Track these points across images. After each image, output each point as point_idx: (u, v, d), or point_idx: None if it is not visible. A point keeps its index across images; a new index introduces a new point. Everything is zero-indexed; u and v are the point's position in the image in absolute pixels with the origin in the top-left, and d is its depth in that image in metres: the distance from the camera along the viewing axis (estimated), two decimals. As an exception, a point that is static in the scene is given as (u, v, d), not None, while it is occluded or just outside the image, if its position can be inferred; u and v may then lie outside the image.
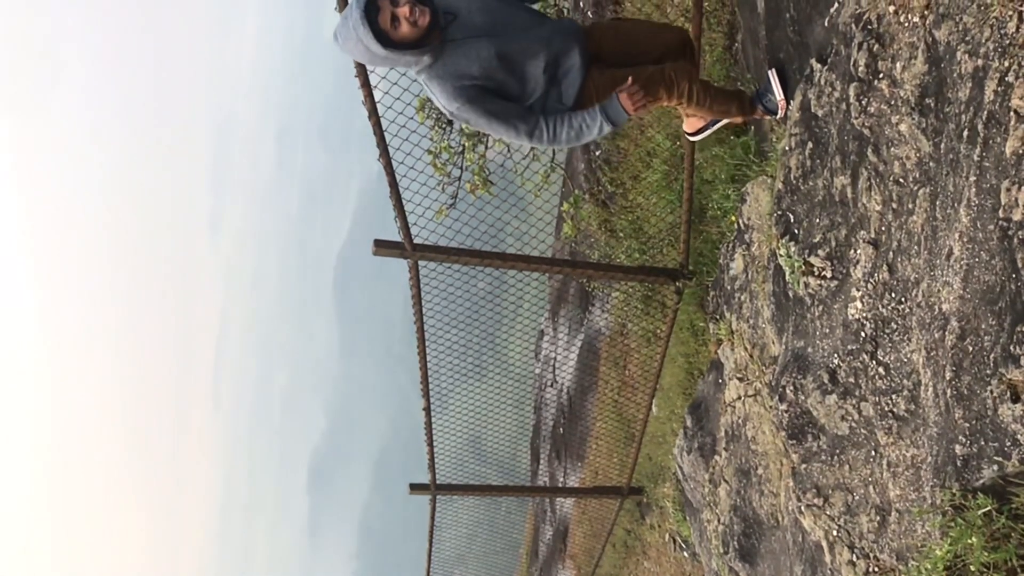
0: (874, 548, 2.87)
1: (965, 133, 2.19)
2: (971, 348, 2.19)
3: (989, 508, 2.16)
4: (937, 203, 2.39)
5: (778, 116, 3.50)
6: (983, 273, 2.14)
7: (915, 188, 2.51)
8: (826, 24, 3.02)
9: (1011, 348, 2.02)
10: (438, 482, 7.05)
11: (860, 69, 2.67)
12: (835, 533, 3.09)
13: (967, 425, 2.22)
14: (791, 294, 3.34)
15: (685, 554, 6.24)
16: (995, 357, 2.10)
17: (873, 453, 2.89)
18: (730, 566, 4.31)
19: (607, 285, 7.67)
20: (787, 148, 3.27)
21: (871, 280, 2.76)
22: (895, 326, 2.67)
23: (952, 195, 2.28)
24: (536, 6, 3.33)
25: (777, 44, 3.50)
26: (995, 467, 2.14)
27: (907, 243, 2.57)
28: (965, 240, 2.18)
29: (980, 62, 2.14)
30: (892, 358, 2.70)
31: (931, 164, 2.43)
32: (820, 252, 3.04)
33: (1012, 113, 2.01)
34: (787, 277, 3.29)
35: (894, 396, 2.70)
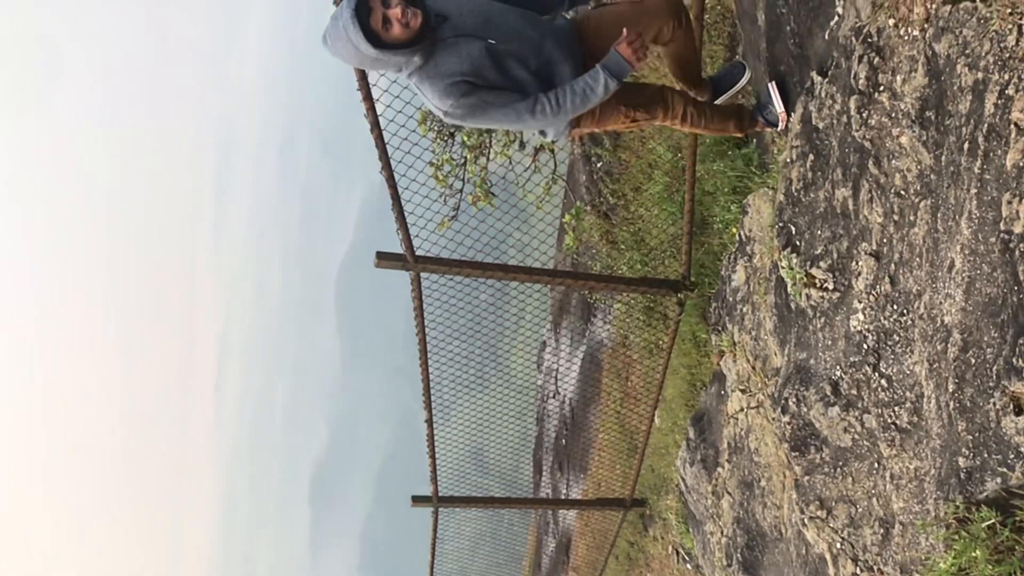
0: (878, 561, 2.86)
1: (966, 146, 2.20)
2: (973, 360, 2.19)
3: (993, 521, 2.16)
4: (938, 215, 2.39)
5: (779, 128, 3.51)
6: (985, 285, 2.14)
7: (916, 200, 2.51)
8: (826, 37, 3.03)
9: (1014, 360, 2.02)
10: (440, 494, 7.04)
11: (861, 82, 2.68)
12: (838, 546, 3.08)
13: (970, 437, 2.22)
14: (793, 306, 3.34)
15: (688, 566, 6.21)
16: (998, 369, 2.10)
17: (876, 465, 2.88)
18: (733, 579, 4.29)
19: (609, 296, 7.67)
20: (788, 160, 3.28)
21: (873, 292, 2.76)
22: (897, 338, 2.67)
23: (953, 207, 2.28)
24: None
25: (778, 57, 3.51)
26: (998, 480, 2.14)
27: (909, 255, 2.58)
28: (967, 252, 2.18)
29: (980, 75, 2.15)
30: (895, 370, 2.70)
31: (932, 176, 2.43)
32: (822, 264, 3.05)
33: (1012, 126, 2.02)
34: (789, 289, 3.29)
35: (897, 408, 2.70)
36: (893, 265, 2.66)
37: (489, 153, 5.91)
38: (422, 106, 5.20)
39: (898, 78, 2.53)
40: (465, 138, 5.93)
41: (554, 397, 10.92)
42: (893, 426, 2.72)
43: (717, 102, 3.55)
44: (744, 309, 4.03)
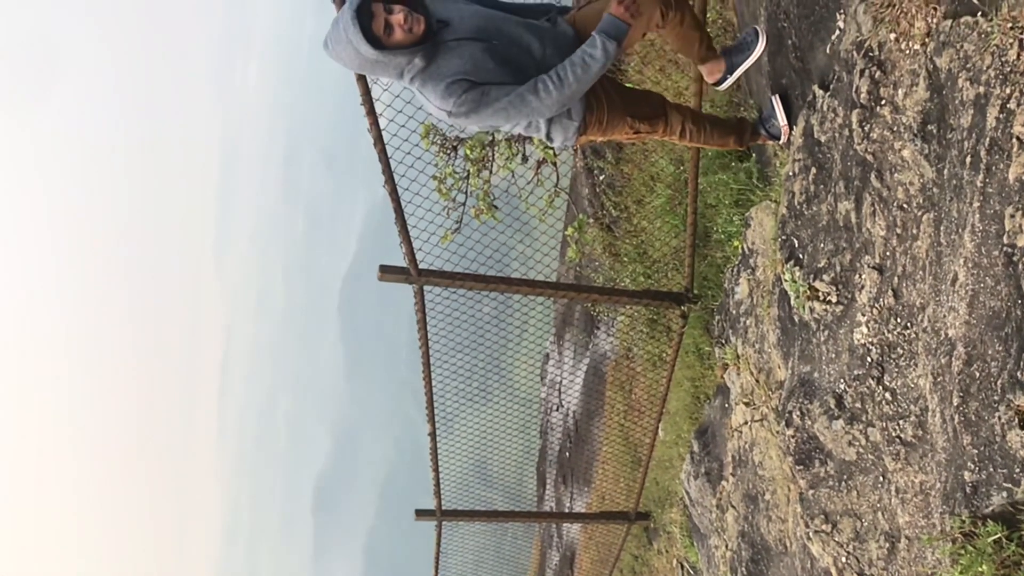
0: (884, 575, 2.85)
1: (968, 159, 2.20)
2: (978, 374, 2.19)
3: (999, 535, 2.15)
4: (941, 229, 2.39)
5: (781, 142, 3.51)
6: (988, 299, 2.14)
7: (919, 214, 2.51)
8: (827, 51, 3.04)
9: (1018, 374, 2.02)
10: (444, 508, 7.02)
11: (862, 96, 2.69)
12: (844, 560, 3.07)
13: (975, 451, 2.21)
14: (796, 319, 3.33)
15: (693, 580, 6.19)
16: (1002, 383, 2.10)
17: (881, 479, 2.87)
18: (739, 593, 4.27)
19: (612, 309, 7.67)
20: (790, 173, 3.29)
21: (876, 305, 2.76)
22: (901, 351, 2.67)
23: (956, 221, 2.28)
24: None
25: (779, 70, 3.52)
26: (1004, 494, 2.13)
27: (912, 268, 2.57)
28: (970, 266, 2.18)
29: (981, 89, 2.16)
30: (899, 383, 2.69)
31: (934, 190, 2.44)
32: (825, 277, 3.04)
33: (1014, 140, 2.02)
34: (792, 302, 3.29)
35: (901, 422, 2.69)
36: (896, 278, 2.66)
37: (492, 166, 5.93)
38: (425, 120, 5.23)
39: (900, 92, 2.54)
40: (468, 151, 5.96)
41: (558, 410, 10.91)
42: (898, 439, 2.72)
43: (732, 77, 3.39)
44: (747, 322, 4.02)
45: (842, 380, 2.98)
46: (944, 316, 2.36)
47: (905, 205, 2.58)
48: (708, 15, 4.28)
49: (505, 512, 7.91)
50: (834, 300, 3.01)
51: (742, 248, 4.10)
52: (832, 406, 3.02)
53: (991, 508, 2.19)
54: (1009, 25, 2.04)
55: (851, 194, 2.86)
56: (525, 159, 6.10)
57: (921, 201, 2.51)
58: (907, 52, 2.50)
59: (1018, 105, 2.02)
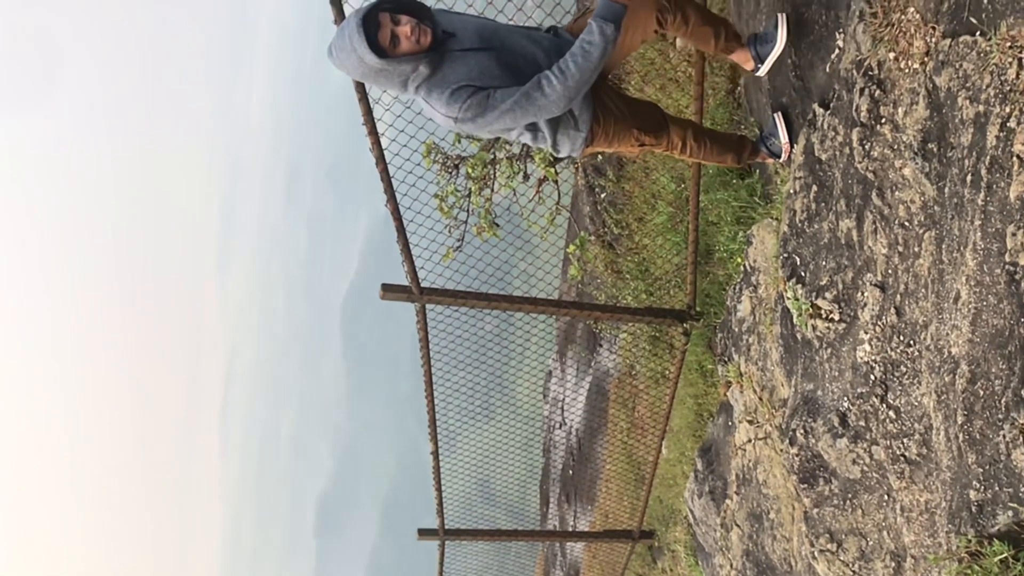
0: (890, 595, 2.83)
1: (968, 178, 2.20)
2: (982, 392, 2.18)
3: (1005, 555, 2.14)
4: (943, 247, 2.39)
5: (781, 160, 3.52)
6: (991, 317, 2.13)
7: (920, 232, 2.51)
8: (827, 70, 3.05)
9: (1022, 393, 2.01)
10: (447, 527, 6.99)
11: (862, 114, 2.70)
12: (850, 580, 3.05)
13: (980, 470, 2.20)
14: (799, 336, 3.33)
15: (698, 599, 6.14)
16: (1007, 402, 2.09)
17: (886, 497, 2.86)
18: (744, 612, 4.24)
19: (614, 326, 7.67)
20: (792, 191, 3.29)
21: (879, 323, 2.76)
22: (904, 369, 2.66)
23: (958, 239, 2.28)
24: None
25: (780, 88, 3.53)
26: (1010, 513, 2.12)
27: (914, 286, 2.57)
28: (972, 284, 2.18)
29: (981, 108, 2.16)
30: (902, 401, 2.68)
31: (936, 208, 2.44)
32: (827, 295, 3.04)
33: (1015, 158, 2.02)
34: (795, 320, 3.29)
35: (905, 440, 2.68)
36: (899, 296, 2.65)
37: (493, 185, 5.94)
38: (427, 139, 5.25)
39: (899, 110, 2.55)
40: (469, 170, 5.97)
41: (560, 427, 10.87)
42: (902, 458, 2.70)
43: (765, 66, 3.26)
44: (750, 340, 4.02)
45: (845, 398, 2.98)
46: (947, 334, 2.35)
47: (906, 223, 2.58)
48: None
49: (508, 531, 7.85)
50: (836, 318, 3.01)
51: (744, 266, 4.10)
52: (836, 424, 3.01)
53: (997, 527, 2.17)
54: (1008, 44, 2.05)
55: (852, 212, 2.86)
56: (527, 177, 6.11)
57: (922, 219, 2.51)
58: (906, 71, 2.51)
59: (1018, 124, 2.02)
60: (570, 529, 10.08)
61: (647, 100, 3.40)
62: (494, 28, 2.90)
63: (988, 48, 2.13)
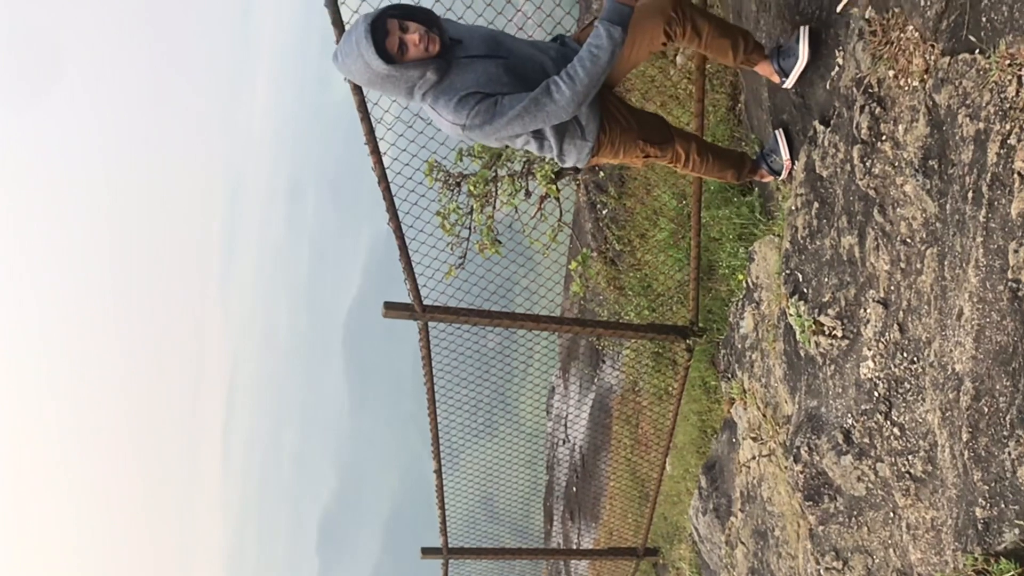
0: (897, 614, 2.81)
1: (970, 194, 2.21)
2: (986, 409, 2.18)
3: (1013, 573, 2.12)
4: (945, 263, 2.39)
5: (781, 177, 3.53)
6: (995, 333, 2.13)
7: (922, 248, 2.52)
8: (827, 87, 3.06)
9: (1027, 410, 2.01)
10: (450, 545, 6.95)
11: (863, 131, 2.71)
12: (856, 598, 3.03)
13: (986, 487, 2.19)
14: (802, 353, 3.32)
15: (703, 617, 6.10)
16: (1011, 419, 2.09)
17: (892, 515, 2.84)
18: (750, 631, 4.21)
19: (617, 342, 7.66)
20: (793, 208, 3.30)
21: (882, 339, 2.75)
22: (908, 386, 2.66)
23: (960, 255, 2.29)
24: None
25: (780, 106, 3.54)
26: (1017, 531, 2.11)
27: (917, 303, 2.57)
28: (975, 300, 2.18)
29: (981, 125, 2.17)
30: (907, 418, 2.68)
31: (937, 224, 2.44)
32: (830, 311, 3.04)
33: (1016, 175, 2.03)
34: (797, 336, 3.29)
35: (910, 457, 2.67)
36: (901, 312, 2.65)
37: (495, 202, 5.96)
38: (428, 158, 5.27)
39: (900, 128, 2.55)
40: (471, 187, 5.98)
41: (564, 444, 10.84)
42: (907, 475, 2.69)
43: (790, 80, 3.20)
44: (753, 356, 4.01)
45: (849, 415, 2.97)
46: (951, 351, 2.35)
47: (908, 240, 2.58)
48: (707, 65, 4.30)
49: (512, 549, 7.81)
50: (839, 334, 3.01)
51: (746, 282, 4.11)
52: (840, 441, 3.00)
53: (1004, 545, 2.16)
54: (1007, 62, 2.06)
55: (854, 229, 2.86)
56: (528, 194, 6.13)
57: (924, 236, 2.51)
58: (906, 88, 2.52)
59: (1018, 141, 2.03)
60: (574, 547, 10.02)
61: (653, 112, 3.37)
62: (501, 36, 2.89)
63: (987, 66, 2.14)
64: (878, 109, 2.65)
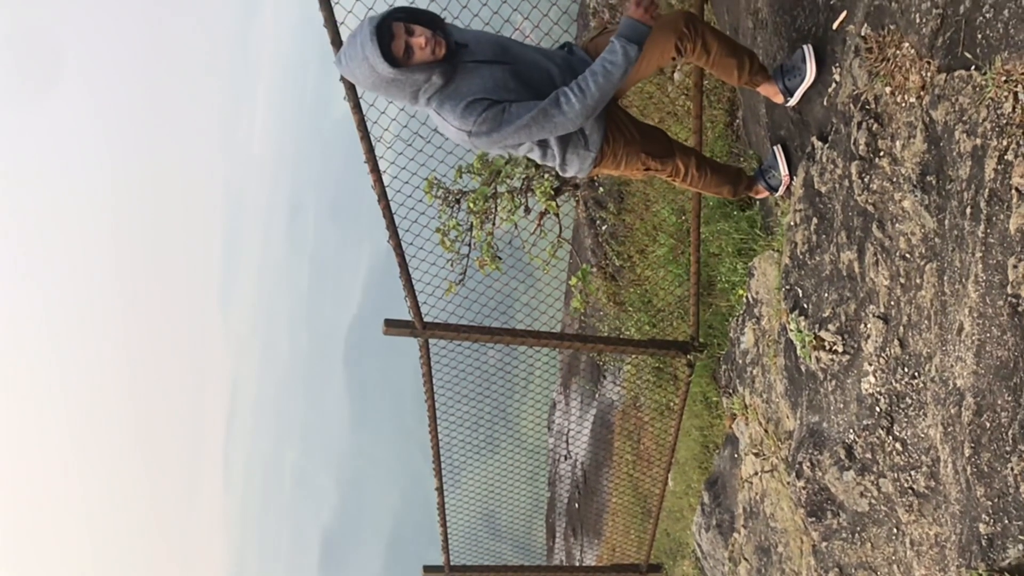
0: (902, 631, 2.80)
1: (968, 210, 2.21)
2: (988, 424, 2.17)
3: (1017, 590, 2.12)
4: (945, 278, 2.39)
5: (778, 193, 3.53)
6: (995, 348, 2.13)
7: (922, 263, 2.52)
8: (825, 103, 3.08)
9: (1029, 426, 2.01)
10: (452, 563, 6.92)
11: (861, 147, 2.72)
12: (861, 615, 3.01)
13: (989, 503, 2.19)
14: (803, 368, 3.32)
15: (707, 634, 6.06)
16: (1014, 434, 2.08)
17: (895, 531, 2.83)
18: (754, 648, 4.18)
19: (618, 357, 7.65)
20: (792, 223, 3.30)
21: (883, 355, 2.75)
22: (910, 401, 2.65)
23: (959, 271, 2.29)
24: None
25: (778, 122, 3.56)
26: (1021, 546, 2.10)
27: (917, 318, 2.57)
28: (975, 315, 2.18)
29: (978, 141, 2.18)
30: (909, 433, 2.67)
31: (936, 240, 2.45)
32: (830, 327, 3.04)
33: (1014, 191, 2.03)
34: (798, 351, 3.28)
35: (913, 472, 2.66)
36: (902, 328, 2.65)
37: (495, 219, 5.97)
38: (428, 176, 5.29)
39: (897, 144, 2.56)
40: (471, 204, 6.00)
41: (566, 460, 10.81)
42: (910, 491, 2.68)
43: (794, 99, 3.21)
44: (754, 371, 4.01)
45: (851, 430, 2.96)
46: (952, 366, 2.35)
47: (908, 255, 2.59)
48: (705, 81, 4.32)
49: (515, 567, 7.76)
50: (840, 350, 3.00)
51: (746, 297, 4.11)
52: (842, 457, 2.99)
53: (1008, 561, 2.15)
54: (1003, 79, 2.07)
55: (853, 244, 2.87)
56: (528, 211, 6.15)
57: (923, 251, 2.52)
58: (903, 105, 2.53)
59: (1016, 157, 2.04)
60: (577, 563, 9.97)
61: (655, 125, 3.37)
62: (507, 42, 2.85)
63: (983, 82, 2.15)
64: (875, 125, 2.66)
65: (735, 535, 4.45)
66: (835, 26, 2.95)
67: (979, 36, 2.17)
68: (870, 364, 2.82)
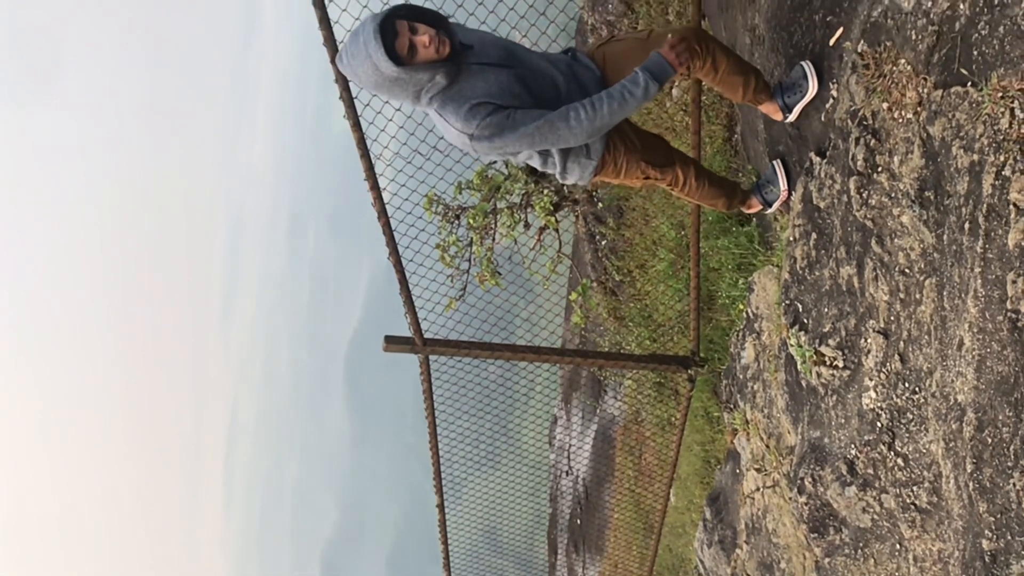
0: (906, 648, 2.78)
1: (966, 225, 2.22)
2: (990, 440, 2.17)
3: (1021, 606, 2.10)
4: (944, 293, 2.40)
5: (771, 210, 3.54)
6: (996, 364, 2.13)
7: (921, 278, 2.52)
8: (822, 119, 3.09)
9: (1030, 441, 2.00)
10: (454, 581, 6.89)
11: (859, 163, 2.72)
12: (865, 632, 2.99)
13: (992, 519, 2.18)
14: (804, 383, 3.32)
15: (711, 651, 6.02)
16: (1015, 449, 2.08)
17: (898, 547, 2.82)
18: (758, 666, 4.16)
19: (619, 372, 7.64)
20: (791, 239, 3.31)
21: (883, 370, 2.75)
22: (911, 416, 2.65)
23: (958, 286, 2.29)
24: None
25: (776, 137, 3.57)
26: (1024, 563, 2.09)
27: (917, 333, 2.57)
28: (975, 331, 2.18)
29: (976, 156, 2.18)
30: (910, 449, 2.66)
31: (935, 255, 2.45)
32: (830, 342, 3.04)
33: (1012, 206, 2.04)
34: (799, 366, 3.28)
35: (915, 488, 2.65)
36: (902, 343, 2.65)
37: (494, 234, 5.98)
38: (428, 193, 5.30)
39: (895, 159, 2.57)
40: (470, 220, 6.02)
41: (567, 475, 10.78)
42: (913, 506, 2.68)
43: (792, 115, 3.24)
44: (755, 387, 4.00)
45: (853, 446, 2.95)
46: (952, 381, 2.34)
47: (907, 270, 2.59)
48: (703, 97, 4.34)
49: (516, 583, 7.74)
50: (841, 365, 3.00)
51: (746, 313, 4.11)
52: (844, 472, 2.99)
53: (1012, 577, 2.14)
54: (999, 95, 2.08)
55: (852, 259, 2.87)
56: (527, 226, 6.16)
57: (923, 266, 2.52)
58: (900, 121, 2.54)
59: (1013, 172, 2.04)
60: (579, 580, 9.92)
61: (656, 134, 3.37)
62: (512, 46, 2.83)
63: (980, 98, 2.16)
64: (873, 141, 2.67)
65: (737, 551, 4.43)
66: (832, 42, 2.96)
67: (975, 53, 2.18)
68: (871, 379, 2.82)
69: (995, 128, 2.10)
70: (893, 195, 2.60)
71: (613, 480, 8.40)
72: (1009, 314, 2.06)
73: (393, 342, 4.69)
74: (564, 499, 10.96)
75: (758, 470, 4.01)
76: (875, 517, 2.90)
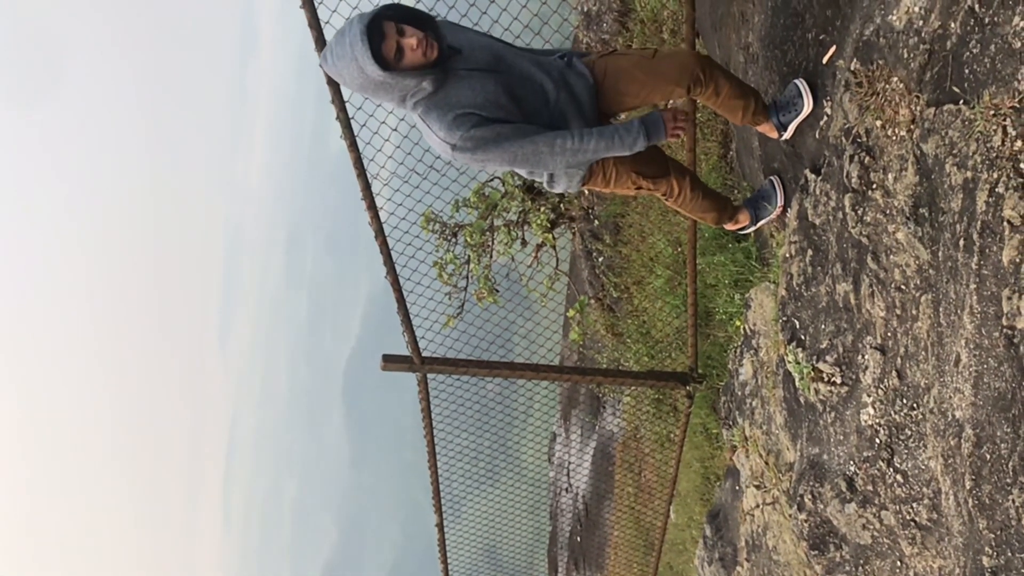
0: (908, 666, 2.76)
1: (961, 242, 2.23)
2: (989, 456, 2.17)
3: (1023, 624, 2.09)
4: (940, 310, 2.40)
5: (758, 225, 3.55)
6: (993, 380, 2.13)
7: (917, 295, 2.53)
8: (817, 136, 3.11)
9: (1028, 457, 2.00)
10: (454, 600, 6.85)
11: (853, 180, 2.74)
12: (866, 650, 2.98)
13: (992, 536, 2.17)
14: (802, 400, 3.32)
15: (713, 669, 5.98)
16: (1014, 466, 2.08)
17: (899, 564, 2.81)
18: None
19: (617, 389, 7.64)
20: (788, 255, 3.32)
21: (881, 386, 2.75)
22: (909, 432, 2.65)
23: (954, 302, 2.30)
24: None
25: (771, 154, 3.59)
26: (1025, 580, 2.09)
27: (914, 349, 2.58)
28: (971, 347, 2.19)
29: (969, 174, 2.20)
30: (909, 465, 2.66)
31: (931, 271, 2.46)
32: (828, 358, 3.04)
33: (1005, 223, 2.05)
34: (797, 383, 3.28)
35: (915, 504, 2.65)
36: (899, 359, 2.66)
37: (492, 252, 6.00)
38: (425, 211, 5.32)
39: (890, 176, 2.59)
40: (468, 238, 6.03)
41: (567, 492, 10.74)
42: (913, 523, 2.67)
43: (788, 133, 3.25)
44: (754, 403, 4.00)
45: (852, 462, 2.95)
46: (950, 397, 2.35)
47: (903, 286, 2.60)
48: (698, 113, 4.36)
49: (517, 602, 7.70)
50: (838, 381, 3.00)
51: (744, 329, 4.11)
52: (843, 489, 2.98)
53: (1012, 594, 2.14)
54: (992, 112, 2.09)
55: (849, 276, 2.88)
56: (524, 243, 6.18)
57: (918, 282, 2.53)
58: (894, 138, 2.55)
59: (1006, 189, 2.05)
60: (580, 597, 9.86)
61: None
62: (502, 50, 2.78)
63: (972, 116, 2.17)
64: (867, 158, 2.68)
65: (738, 568, 4.41)
66: (825, 60, 2.99)
67: (966, 71, 2.19)
68: (869, 395, 2.82)
69: (988, 145, 2.12)
70: (888, 212, 2.61)
71: (613, 497, 8.37)
72: (1005, 330, 2.06)
73: (391, 361, 4.69)
74: (564, 516, 10.92)
75: (758, 487, 4.00)
76: (875, 534, 2.89)
